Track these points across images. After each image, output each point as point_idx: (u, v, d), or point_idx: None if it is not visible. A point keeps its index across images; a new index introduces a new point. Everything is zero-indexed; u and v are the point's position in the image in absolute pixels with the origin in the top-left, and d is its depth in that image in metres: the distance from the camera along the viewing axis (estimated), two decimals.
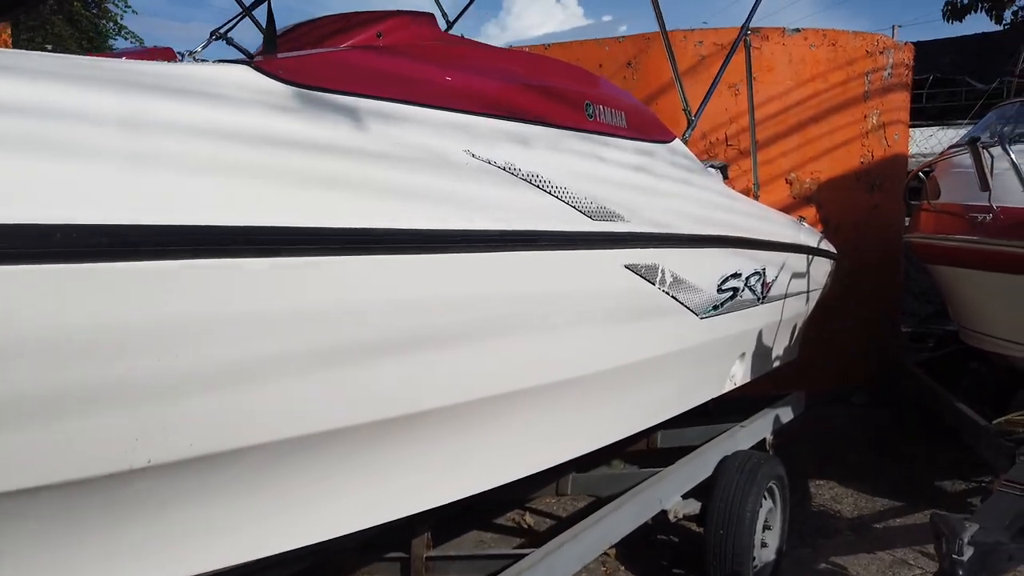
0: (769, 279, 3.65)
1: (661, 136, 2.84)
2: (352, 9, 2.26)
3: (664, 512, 3.08)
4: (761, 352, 3.87)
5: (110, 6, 16.91)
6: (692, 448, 3.65)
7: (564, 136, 2.19)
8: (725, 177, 4.85)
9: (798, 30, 6.49)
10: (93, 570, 1.42)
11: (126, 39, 16.62)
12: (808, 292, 4.46)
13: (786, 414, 4.33)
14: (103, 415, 1.28)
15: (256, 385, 1.45)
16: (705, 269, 2.96)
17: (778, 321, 4.01)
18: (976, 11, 12.92)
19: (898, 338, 7.33)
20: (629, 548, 3.68)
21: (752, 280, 3.43)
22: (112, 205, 1.19)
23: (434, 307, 1.75)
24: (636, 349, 2.63)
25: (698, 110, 3.87)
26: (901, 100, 6.97)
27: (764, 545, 3.45)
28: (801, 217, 4.55)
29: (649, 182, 2.60)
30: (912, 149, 9.08)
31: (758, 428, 3.91)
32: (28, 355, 1.17)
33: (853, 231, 6.60)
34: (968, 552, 2.29)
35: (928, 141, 10.66)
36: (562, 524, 4.25)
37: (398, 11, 2.20)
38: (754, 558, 3.26)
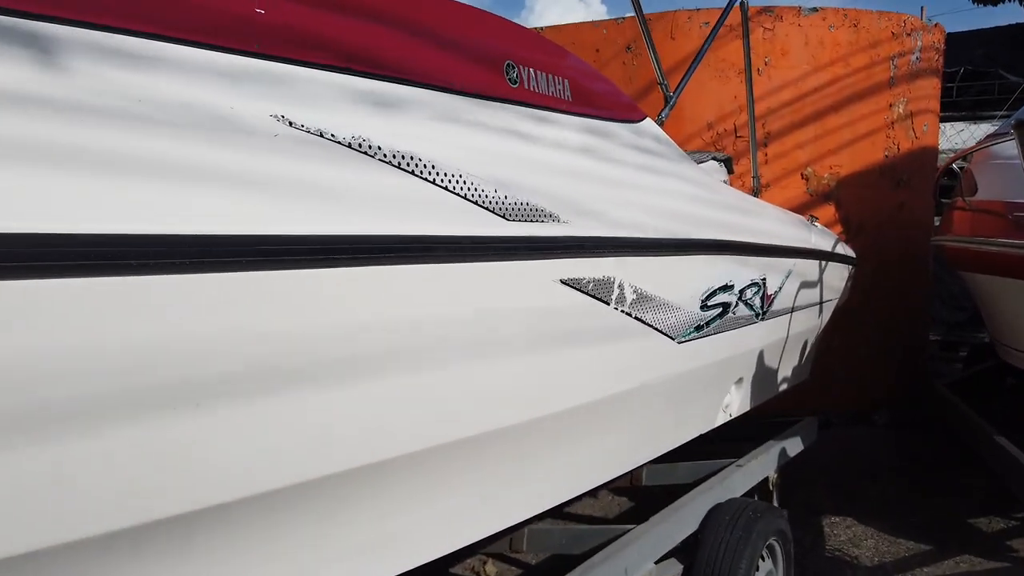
0: (771, 290, 3.01)
1: (624, 114, 2.22)
2: None
3: None
4: (763, 376, 3.23)
5: None
6: (681, 487, 3.03)
7: (465, 105, 1.56)
8: (729, 171, 4.22)
9: (816, 9, 5.80)
10: None
11: None
12: (821, 303, 3.81)
13: (794, 446, 3.68)
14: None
15: None
16: (683, 281, 2.33)
17: (783, 339, 3.36)
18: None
19: (925, 350, 6.62)
20: None
21: (749, 293, 2.79)
22: None
23: (246, 344, 1.15)
24: (586, 387, 2.01)
25: (678, 86, 3.24)
26: (931, 87, 6.27)
27: None
28: (812, 216, 3.90)
29: (602, 170, 1.97)
30: (942, 145, 8.35)
31: (759, 467, 3.26)
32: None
33: (876, 232, 5.93)
34: None
35: (959, 136, 9.90)
36: (529, 572, 3.64)
37: None
38: None
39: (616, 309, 2.00)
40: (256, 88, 1.19)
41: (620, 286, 1.98)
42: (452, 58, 1.57)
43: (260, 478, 1.28)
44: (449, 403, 1.62)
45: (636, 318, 2.11)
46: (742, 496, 3.03)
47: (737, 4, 3.62)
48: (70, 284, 0.94)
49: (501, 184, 1.57)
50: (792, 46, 5.74)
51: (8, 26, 0.91)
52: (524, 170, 1.67)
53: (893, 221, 6.03)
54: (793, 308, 3.33)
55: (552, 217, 1.71)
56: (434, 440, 1.61)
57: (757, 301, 2.89)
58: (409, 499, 1.64)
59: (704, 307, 2.48)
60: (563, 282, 1.75)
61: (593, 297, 1.88)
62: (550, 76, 1.85)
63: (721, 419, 3.03)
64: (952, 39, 7.29)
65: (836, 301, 4.18)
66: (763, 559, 2.77)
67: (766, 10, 5.71)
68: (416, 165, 1.38)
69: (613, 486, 3.46)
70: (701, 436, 2.97)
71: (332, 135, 1.25)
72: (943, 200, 4.90)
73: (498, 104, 1.66)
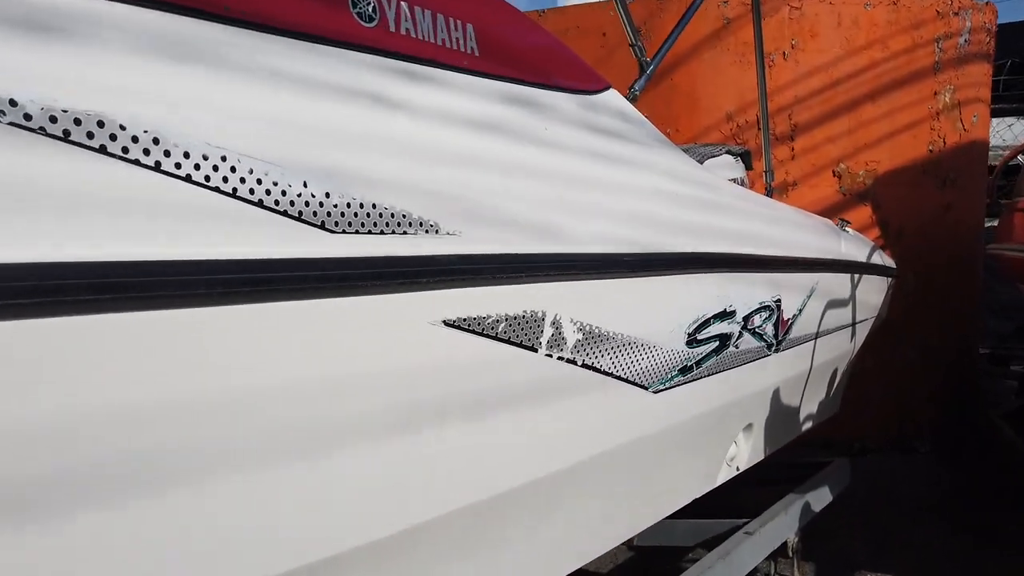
0: (788, 313, 2.36)
1: (572, 80, 1.58)
2: None
3: None
4: (779, 418, 2.58)
5: None
6: (675, 549, 2.40)
7: (252, 42, 0.95)
8: (748, 166, 3.56)
9: None
10: None
11: None
12: (854, 324, 3.13)
13: (820, 499, 3.01)
14: None
15: None
16: (658, 311, 1.70)
17: (806, 371, 2.70)
18: None
19: (975, 369, 5.87)
20: None
21: (757, 319, 2.14)
22: None
23: None
24: (505, 471, 1.39)
25: (656, 55, 2.61)
26: (981, 73, 5.52)
27: None
28: (843, 220, 3.22)
29: (524, 157, 1.34)
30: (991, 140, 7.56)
31: (774, 532, 2.60)
32: None
33: (919, 237, 5.21)
34: None
35: (1010, 131, 9.09)
36: None
37: None
38: None
39: (550, 356, 1.37)
40: None
41: (556, 324, 1.36)
42: None
43: None
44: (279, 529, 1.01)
45: (585, 365, 1.48)
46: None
47: None
48: None
49: (321, 175, 0.96)
50: (822, 27, 5.05)
51: None
52: (373, 153, 1.06)
53: (938, 224, 5.30)
54: (818, 333, 2.67)
55: (424, 227, 1.09)
56: None
57: (769, 328, 2.24)
58: None
59: (693, 342, 1.84)
60: (448, 323, 1.14)
61: (507, 343, 1.26)
62: (441, 17, 1.23)
63: (725, 476, 2.38)
64: (998, 30, 6.49)
65: (873, 320, 3.49)
66: None
67: None
68: (143, 140, 0.78)
69: None
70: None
71: None
72: (1002, 201, 4.20)
73: (329, 48, 1.05)
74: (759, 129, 5.13)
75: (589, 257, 1.45)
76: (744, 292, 2.07)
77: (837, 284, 2.79)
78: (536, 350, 1.34)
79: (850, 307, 2.96)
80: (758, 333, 2.18)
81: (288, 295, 0.93)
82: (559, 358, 1.40)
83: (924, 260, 5.20)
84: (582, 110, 1.58)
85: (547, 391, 1.41)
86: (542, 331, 1.34)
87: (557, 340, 1.38)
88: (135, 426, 0.83)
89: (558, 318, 1.37)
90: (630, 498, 1.87)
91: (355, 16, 1.10)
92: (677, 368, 1.81)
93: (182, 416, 0.88)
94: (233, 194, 0.87)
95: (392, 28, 1.15)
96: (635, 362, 1.64)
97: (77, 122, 0.75)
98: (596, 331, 1.49)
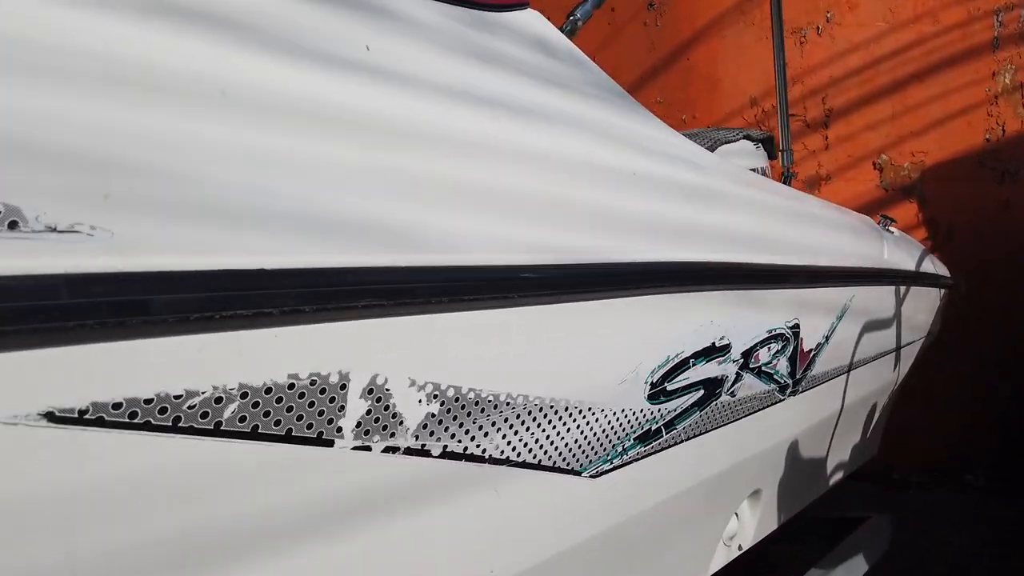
0: (810, 343, 1.72)
1: None
2: None
3: None
4: (797, 477, 1.93)
5: None
6: None
7: None
8: (771, 155, 2.93)
9: None
10: None
11: None
12: (898, 349, 2.47)
13: (854, 569, 2.35)
14: None
15: None
16: (595, 354, 1.09)
17: (835, 414, 2.06)
18: None
19: None
20: None
21: (764, 354, 1.51)
22: None
23: None
24: None
25: None
26: None
27: None
28: (887, 218, 2.54)
29: (327, 94, 0.74)
30: None
31: None
32: None
33: (973, 238, 4.50)
34: None
35: None
36: None
37: None
38: None
39: (366, 449, 0.77)
40: None
41: (373, 392, 0.76)
42: None
43: None
44: None
45: (451, 454, 0.87)
46: None
47: None
48: None
49: None
50: None
51: None
52: None
53: (996, 224, 4.58)
54: (851, 365, 2.03)
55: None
56: None
57: (783, 365, 1.61)
58: None
59: (660, 395, 1.22)
60: (51, 417, 0.54)
61: (247, 437, 0.66)
62: None
63: (723, 559, 1.74)
64: None
65: (922, 341, 2.82)
66: None
67: None
68: None
69: None
70: None
71: None
72: None
73: None
74: (789, 117, 4.47)
75: (454, 273, 0.84)
76: (746, 318, 1.44)
77: (877, 299, 2.14)
78: (326, 441, 0.73)
79: (894, 328, 2.31)
80: (766, 373, 1.55)
81: None
82: (389, 450, 0.80)
83: (979, 264, 4.49)
84: (466, 29, 0.97)
85: (367, 509, 0.81)
86: (342, 407, 0.74)
87: (381, 418, 0.78)
88: None
89: (379, 381, 0.77)
90: None
91: None
92: (633, 435, 1.19)
93: None
94: None
95: None
96: (554, 436, 1.02)
97: None
98: (474, 396, 0.88)
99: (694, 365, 1.30)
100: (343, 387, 0.74)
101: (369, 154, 0.76)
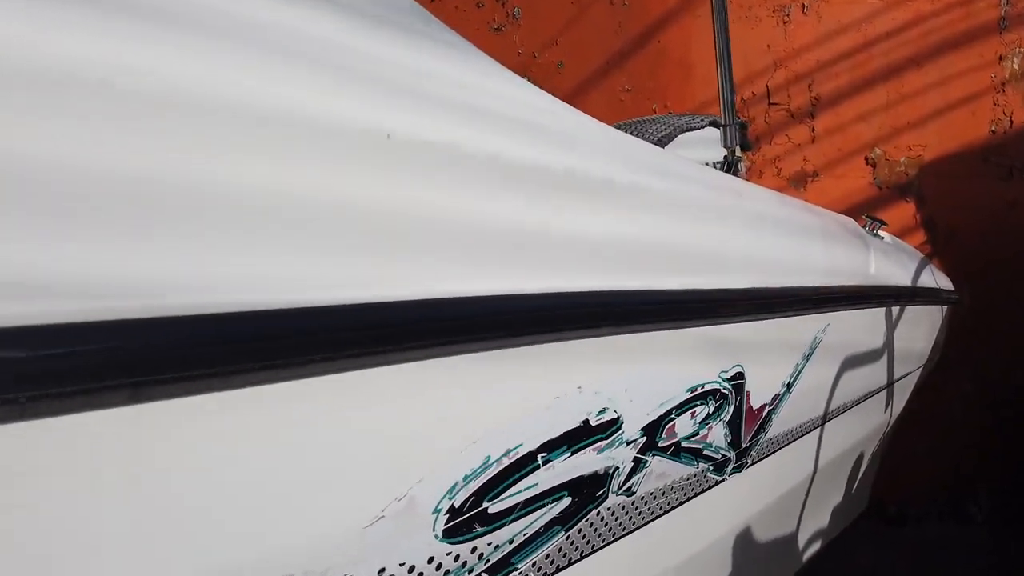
0: (763, 396, 1.20)
1: None
2: None
3: None
4: (753, 570, 1.41)
5: None
6: None
7: None
8: (744, 146, 2.42)
9: None
10: None
11: None
12: (891, 384, 1.94)
13: None
14: None
15: None
16: (329, 465, 0.57)
17: (803, 481, 1.54)
18: None
19: None
20: None
21: (686, 423, 1.00)
22: None
23: None
24: None
25: None
26: None
27: None
28: (874, 219, 1.99)
29: None
30: None
31: None
32: None
33: (977, 242, 3.98)
34: None
35: None
36: None
37: None
38: None
39: None
40: None
41: None
42: None
43: None
44: None
45: None
46: None
47: None
48: None
49: None
50: None
51: None
52: None
53: (1002, 226, 4.06)
54: (827, 415, 1.50)
55: None
56: None
57: (719, 434, 1.09)
58: None
59: (471, 524, 0.71)
60: None
61: None
62: None
63: None
64: None
65: (921, 370, 2.29)
66: None
67: None
68: None
69: None
70: None
71: None
72: None
73: None
74: (770, 106, 3.95)
75: None
76: (648, 375, 0.92)
77: (862, 326, 1.61)
78: None
79: (884, 360, 1.78)
80: (690, 450, 1.03)
81: None
82: None
83: (984, 272, 3.97)
84: None
85: None
86: None
87: None
88: None
89: None
90: None
91: None
92: None
93: None
94: None
95: None
96: None
97: None
98: None
99: (548, 463, 0.78)
100: None
101: None
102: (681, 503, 1.06)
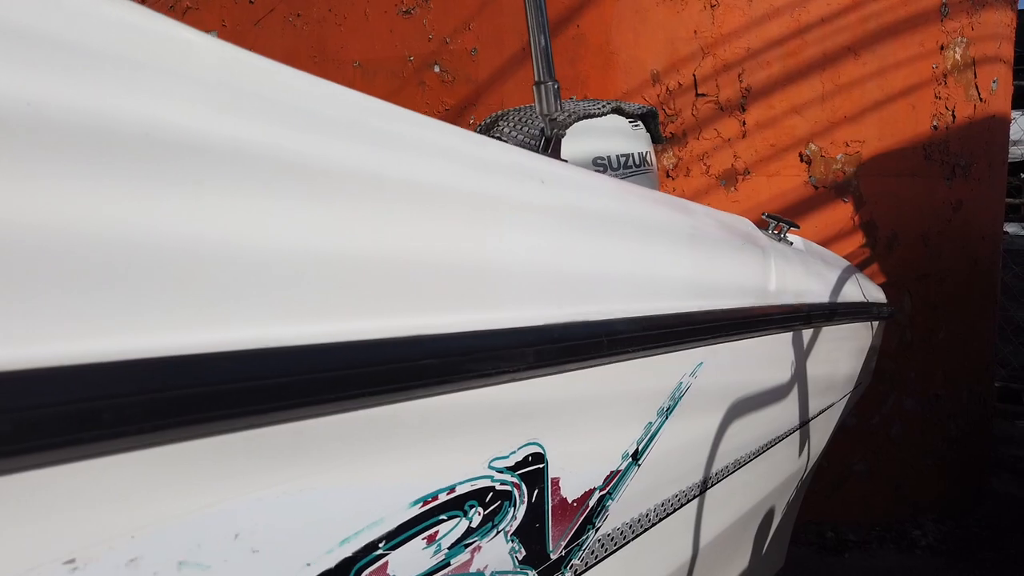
0: (581, 480, 0.80)
1: None
2: None
3: None
4: None
5: None
6: None
7: None
8: (655, 137, 2.06)
9: None
10: None
11: None
12: (805, 424, 1.56)
13: None
14: None
15: None
16: None
17: (682, 568, 1.15)
18: None
19: (990, 423, 4.29)
20: None
21: (408, 557, 0.59)
22: None
23: None
24: None
25: None
26: (1002, 23, 3.95)
27: None
28: (779, 221, 1.59)
29: None
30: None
31: None
32: None
33: (920, 246, 3.67)
34: None
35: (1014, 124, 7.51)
36: None
37: None
38: None
39: None
40: None
41: None
42: None
43: None
44: None
45: None
46: None
47: None
48: None
49: None
50: None
51: None
52: None
53: (946, 229, 3.75)
54: (707, 480, 1.11)
55: None
56: None
57: (496, 554, 0.69)
58: None
59: None
60: None
61: None
62: None
63: None
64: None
65: (847, 398, 1.92)
66: None
67: None
68: None
69: None
70: None
71: None
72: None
73: None
74: (698, 97, 3.58)
75: None
76: (335, 494, 0.51)
77: (758, 357, 1.22)
78: None
79: (793, 395, 1.40)
80: None
81: None
82: None
83: (926, 279, 3.66)
84: None
85: None
86: None
87: None
88: None
89: None
90: None
91: None
92: None
93: None
94: None
95: None
96: None
97: None
98: None
99: None
100: None
101: None
102: None
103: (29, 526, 0.37)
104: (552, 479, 0.76)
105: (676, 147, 3.54)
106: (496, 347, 0.64)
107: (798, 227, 1.58)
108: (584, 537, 0.84)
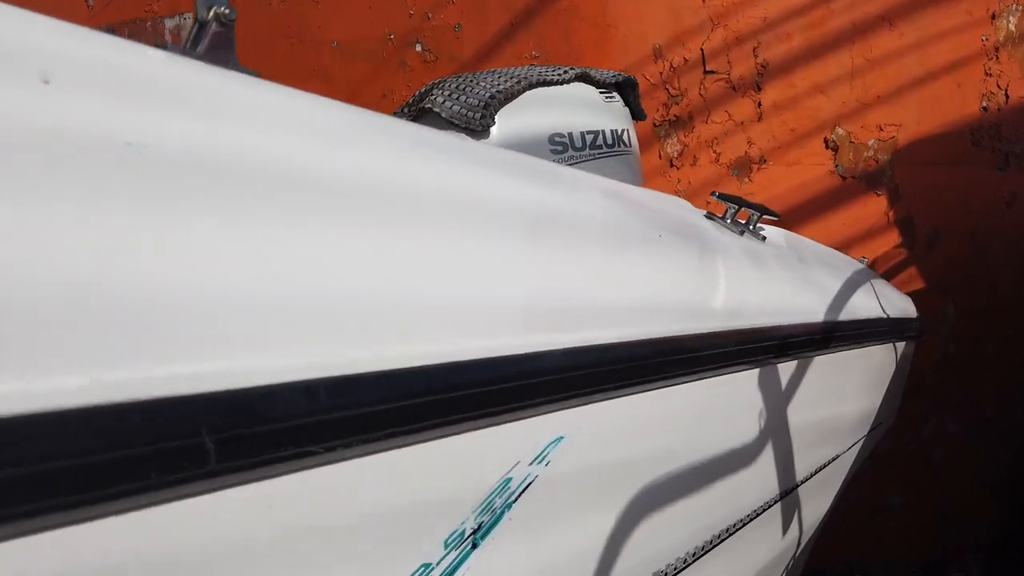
0: None
1: None
2: None
3: None
4: None
5: None
6: None
7: None
8: (635, 113, 1.66)
9: None
10: None
11: None
12: (790, 491, 1.11)
13: None
14: None
15: None
16: None
17: None
18: None
19: None
20: None
21: None
22: None
23: None
24: None
25: None
26: None
27: None
28: (740, 204, 1.12)
29: None
30: None
31: None
32: None
33: (968, 244, 3.21)
34: None
35: None
36: None
37: None
38: None
39: None
40: None
41: None
42: None
43: None
44: None
45: None
46: None
47: None
48: None
49: None
50: None
51: None
52: None
53: (998, 225, 3.28)
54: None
55: None
56: None
57: None
58: None
59: None
60: None
61: None
62: None
63: None
64: None
65: (863, 442, 1.46)
66: None
67: None
68: None
69: None
70: None
71: None
72: None
73: None
74: (706, 74, 3.14)
75: None
76: None
77: (685, 411, 0.78)
78: None
79: (766, 458, 0.95)
80: None
81: None
82: None
83: (974, 281, 3.17)
84: None
85: None
86: None
87: None
88: None
89: None
90: None
91: None
92: None
93: None
94: None
95: None
96: None
97: None
98: None
99: None
100: None
101: None
102: None
103: None
104: None
105: (681, 132, 3.12)
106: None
107: (777, 216, 1.11)
108: None
